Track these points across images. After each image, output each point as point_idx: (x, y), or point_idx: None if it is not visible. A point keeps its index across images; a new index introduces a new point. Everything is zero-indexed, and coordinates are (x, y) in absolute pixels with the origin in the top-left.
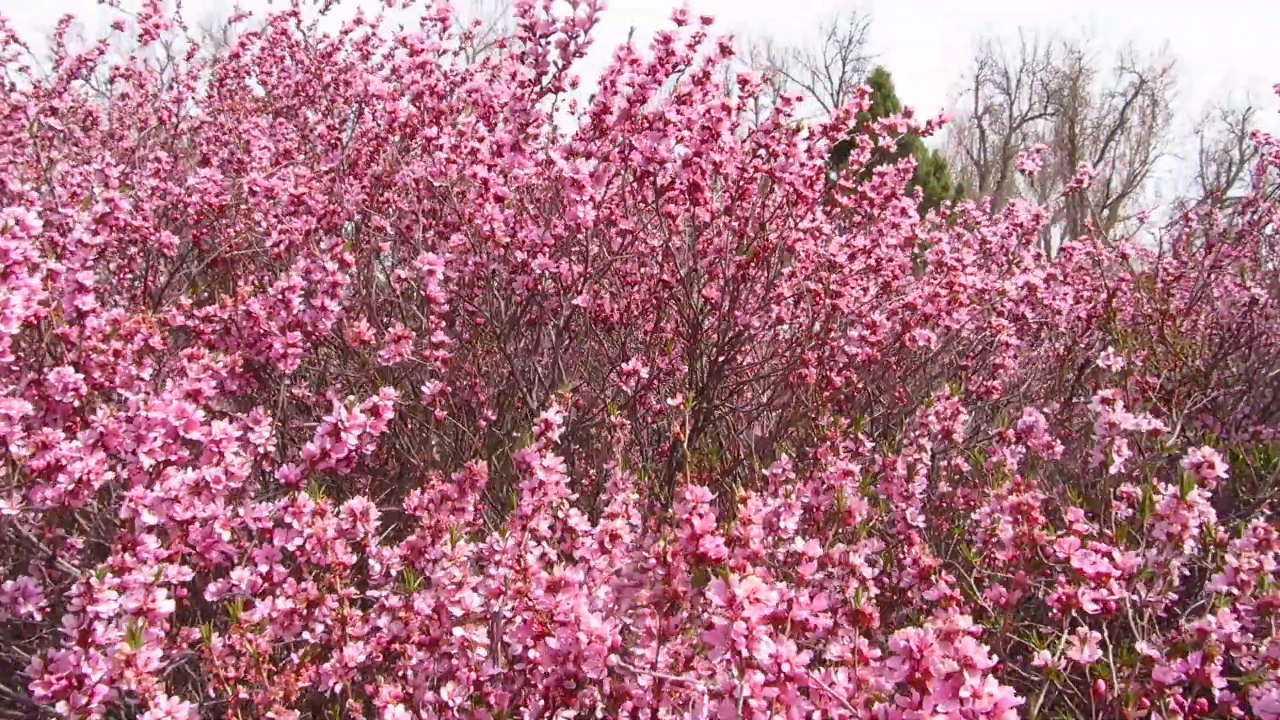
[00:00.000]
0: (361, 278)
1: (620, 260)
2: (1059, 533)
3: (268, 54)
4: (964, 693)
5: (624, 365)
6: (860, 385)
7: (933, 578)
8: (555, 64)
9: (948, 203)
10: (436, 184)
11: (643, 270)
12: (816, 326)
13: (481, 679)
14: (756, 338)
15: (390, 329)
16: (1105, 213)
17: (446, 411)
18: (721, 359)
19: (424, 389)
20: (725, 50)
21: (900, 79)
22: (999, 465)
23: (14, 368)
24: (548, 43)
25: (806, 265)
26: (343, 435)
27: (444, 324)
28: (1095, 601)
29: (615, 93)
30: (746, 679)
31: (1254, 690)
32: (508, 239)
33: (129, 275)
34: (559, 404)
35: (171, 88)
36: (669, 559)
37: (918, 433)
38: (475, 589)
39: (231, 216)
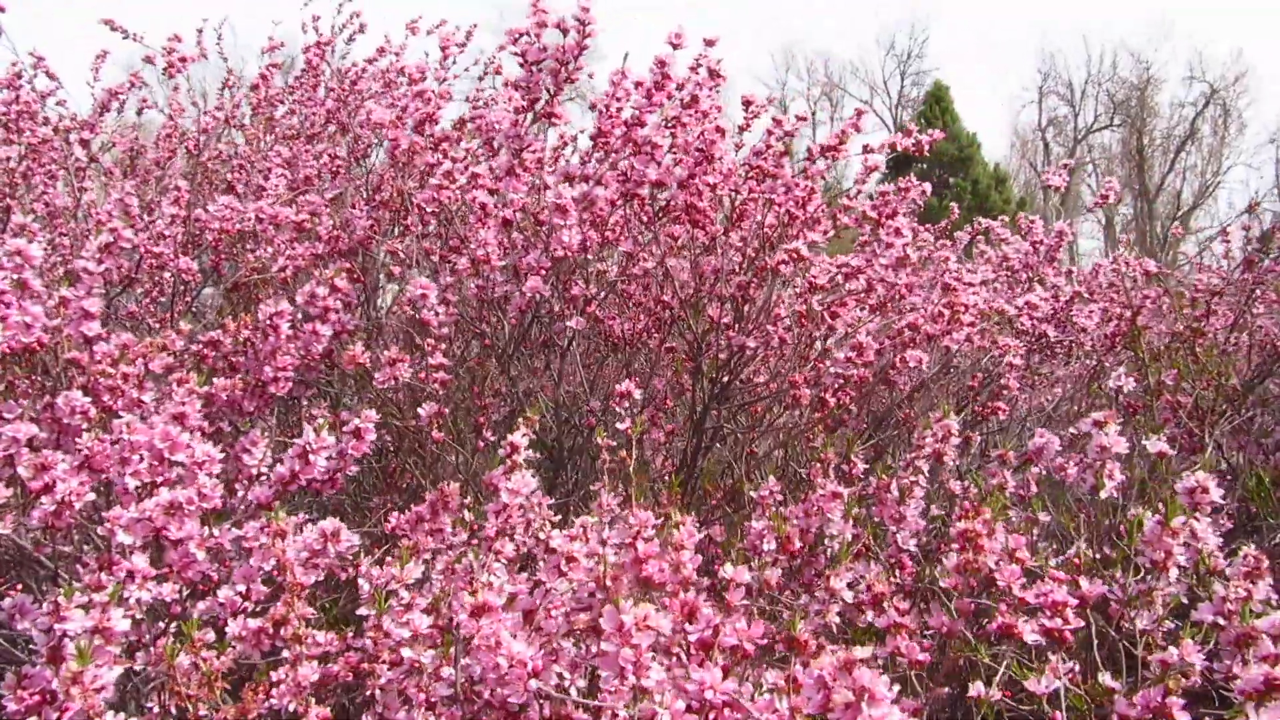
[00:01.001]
0: (373, 302)
1: (622, 282)
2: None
3: (300, 83)
4: None
5: (618, 387)
6: (856, 407)
7: (884, 604)
8: (548, 91)
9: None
10: (437, 209)
11: (647, 292)
12: (812, 346)
13: (433, 700)
14: (762, 357)
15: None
16: (1176, 225)
17: (454, 432)
18: (725, 379)
19: (420, 410)
20: (714, 75)
21: (960, 92)
22: (998, 488)
23: (29, 391)
24: (539, 70)
25: (802, 286)
26: (311, 458)
27: (442, 347)
28: (1045, 632)
29: (612, 117)
30: (659, 704)
31: None
32: (503, 263)
33: (160, 301)
34: (525, 427)
35: (205, 117)
36: (607, 583)
37: (913, 454)
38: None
39: (251, 243)
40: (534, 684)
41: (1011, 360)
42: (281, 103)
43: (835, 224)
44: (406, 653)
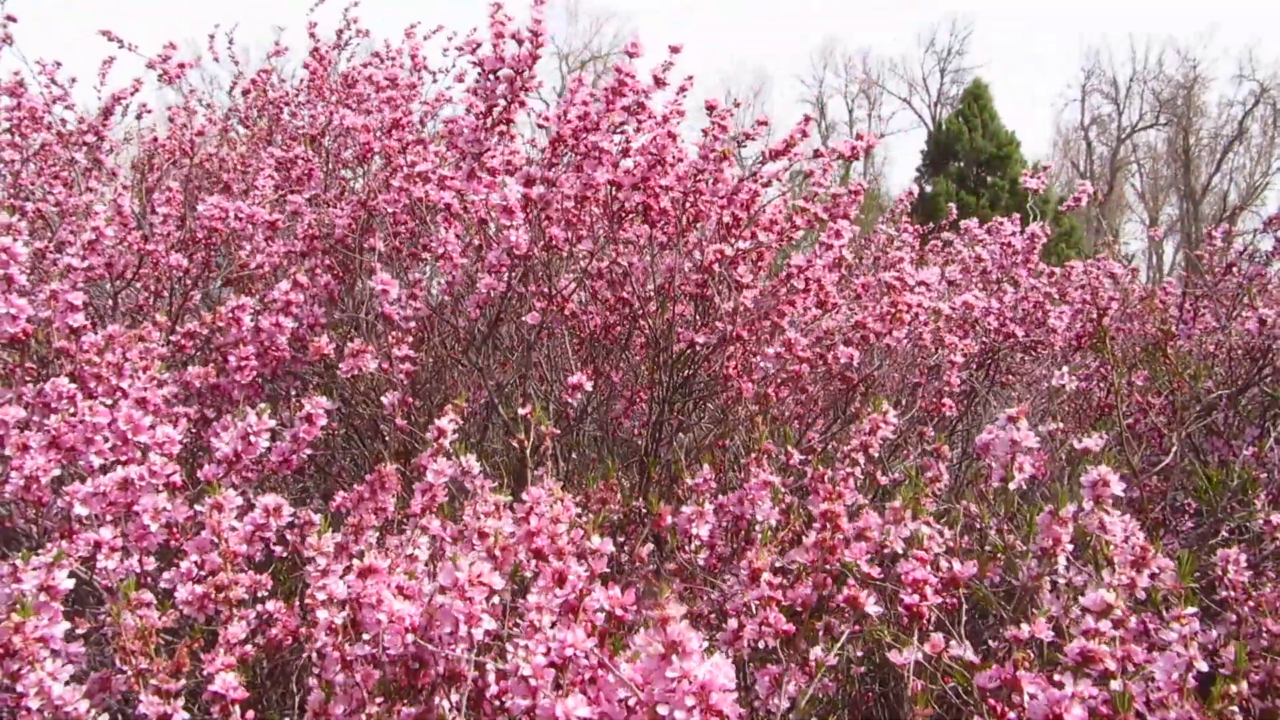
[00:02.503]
0: (354, 298)
1: (590, 279)
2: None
3: (302, 88)
4: (671, 673)
5: (570, 379)
6: (796, 400)
7: (762, 579)
8: (504, 98)
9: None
10: (399, 210)
11: (611, 289)
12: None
13: (350, 659)
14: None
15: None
16: (1224, 227)
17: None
18: (686, 373)
19: (384, 399)
20: (659, 82)
21: (1000, 90)
22: (933, 480)
23: (25, 379)
24: (496, 78)
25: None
26: (252, 440)
27: (408, 340)
28: (906, 608)
29: (569, 123)
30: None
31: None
32: (465, 261)
33: (161, 296)
34: (453, 413)
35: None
36: (496, 553)
37: (850, 448)
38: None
39: (239, 241)
40: (410, 638)
41: (952, 359)
42: (287, 104)
43: (792, 225)
44: (321, 614)
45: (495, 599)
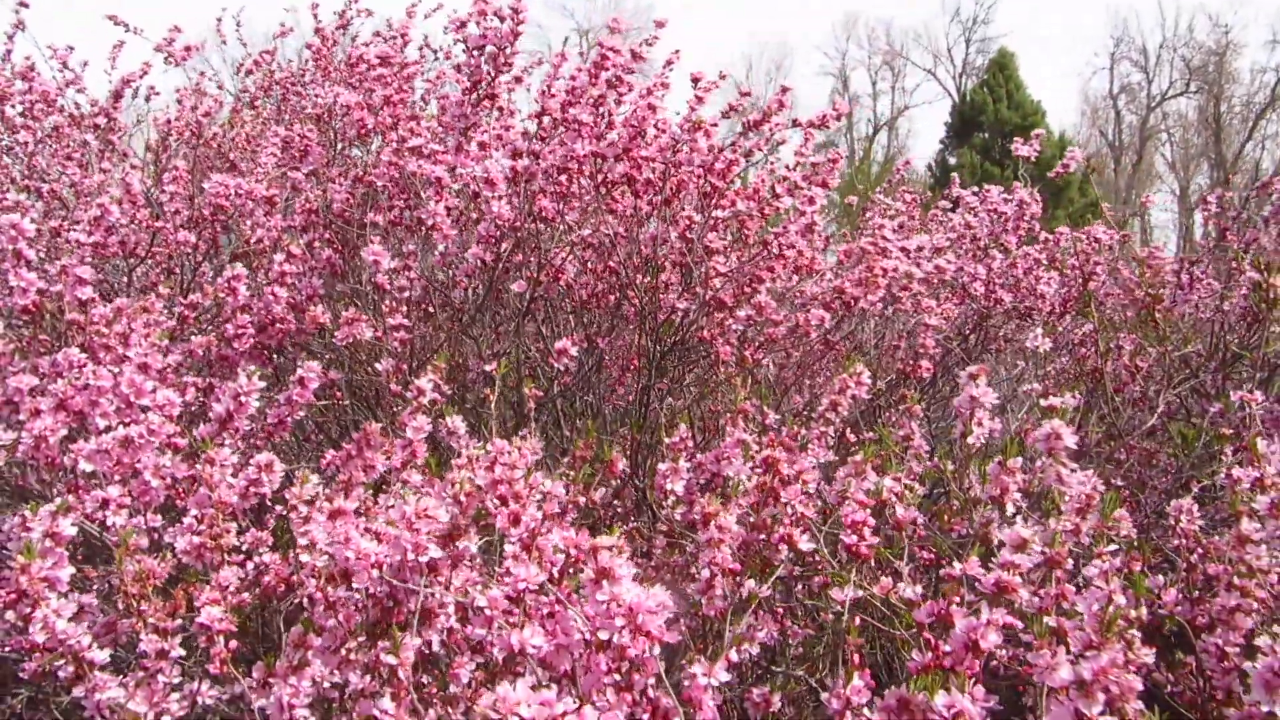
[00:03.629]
0: (352, 270)
1: (581, 249)
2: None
3: (308, 68)
4: (601, 596)
5: (556, 345)
6: (779, 364)
7: (711, 523)
8: (489, 74)
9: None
10: (390, 183)
11: (601, 258)
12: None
13: (333, 600)
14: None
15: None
16: (1253, 196)
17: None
18: (672, 339)
19: (378, 365)
20: (636, 57)
21: (1027, 60)
22: (905, 438)
23: (40, 350)
24: (480, 55)
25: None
26: (243, 400)
27: (402, 309)
28: (846, 548)
29: (553, 96)
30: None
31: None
32: (454, 231)
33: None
34: (432, 373)
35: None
36: (462, 498)
37: (823, 408)
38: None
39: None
40: (375, 574)
41: (926, 321)
42: (293, 84)
43: (775, 195)
44: (305, 558)
45: (471, 546)
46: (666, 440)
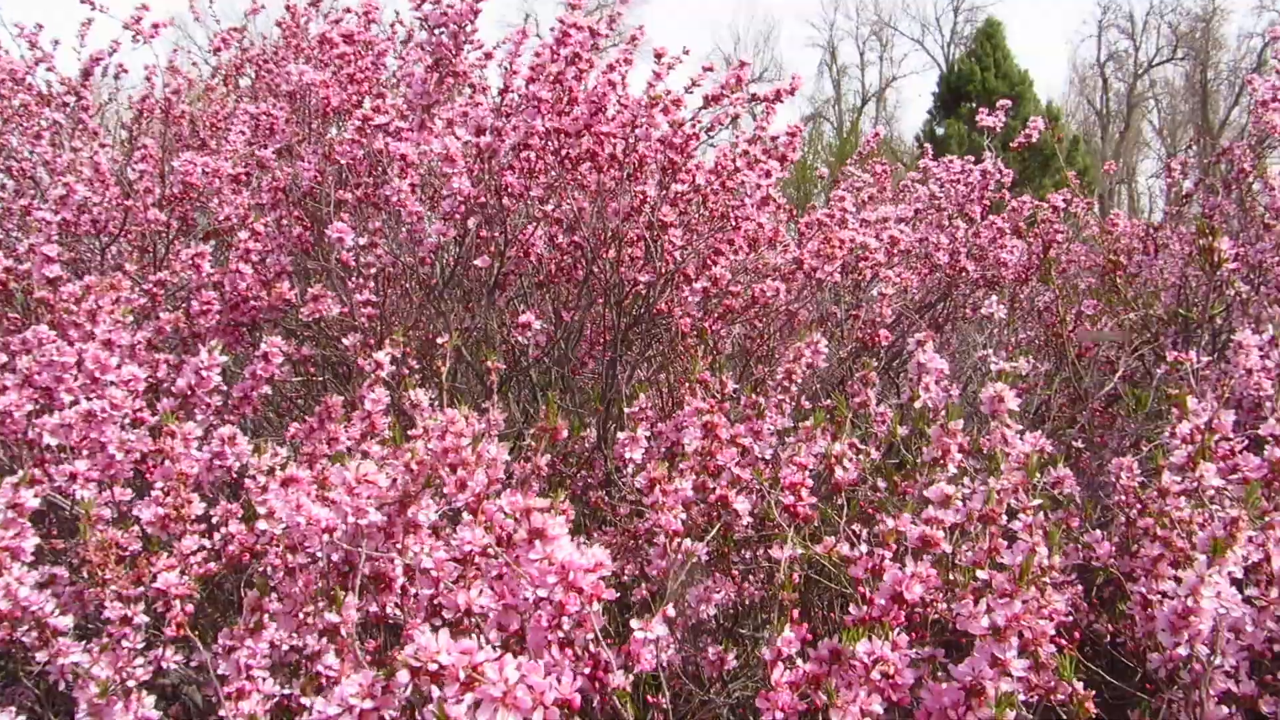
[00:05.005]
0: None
1: (538, 224)
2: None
3: (283, 47)
4: (534, 554)
5: (520, 319)
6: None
7: (657, 489)
8: (449, 51)
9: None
10: (353, 160)
11: (567, 233)
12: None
13: (291, 566)
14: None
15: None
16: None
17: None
18: (637, 311)
19: (345, 340)
20: (594, 34)
21: (1015, 28)
22: (861, 405)
23: (10, 329)
24: (441, 32)
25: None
26: (204, 375)
27: (370, 285)
28: (784, 509)
29: (516, 73)
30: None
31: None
32: (420, 208)
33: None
34: (391, 346)
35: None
36: (413, 466)
37: (781, 375)
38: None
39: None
40: (327, 538)
41: (883, 291)
42: (266, 62)
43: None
44: (261, 525)
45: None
46: (627, 410)
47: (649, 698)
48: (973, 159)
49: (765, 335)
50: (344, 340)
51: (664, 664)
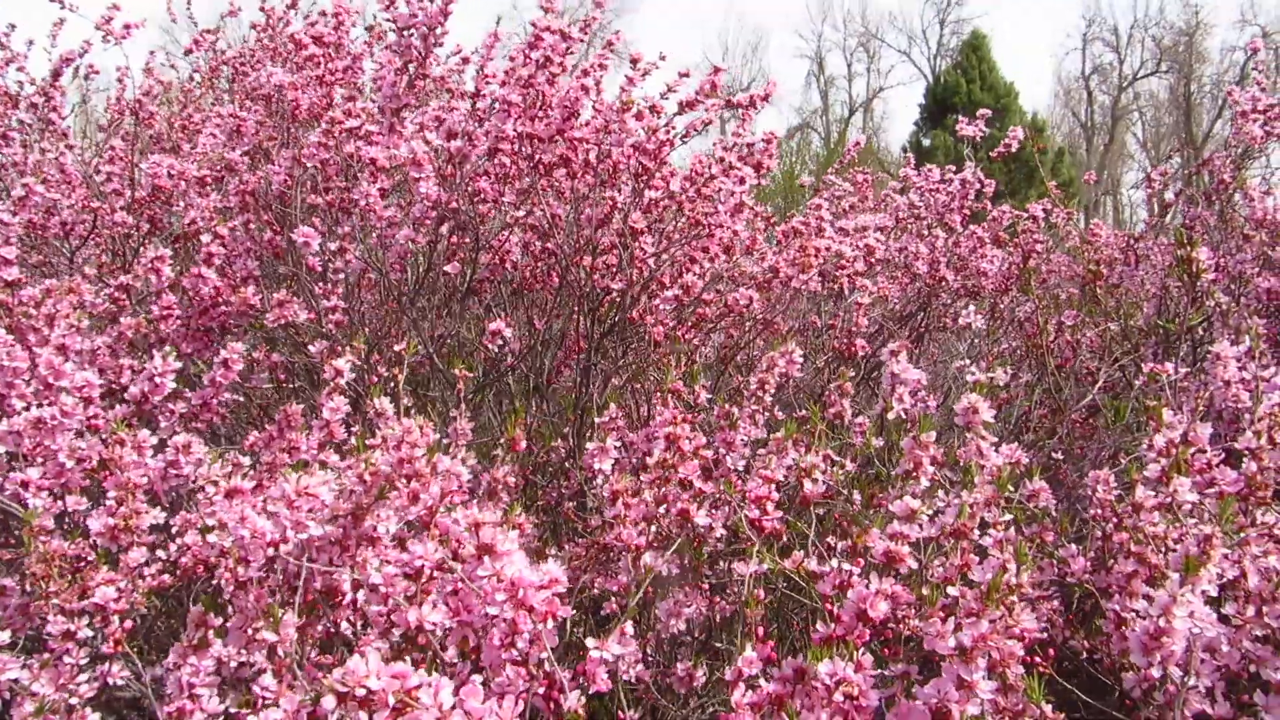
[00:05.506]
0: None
1: (512, 230)
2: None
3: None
4: (482, 571)
5: (490, 326)
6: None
7: (619, 501)
8: (419, 53)
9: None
10: (323, 165)
11: (543, 240)
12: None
13: (242, 580)
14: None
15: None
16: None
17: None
18: (613, 320)
19: (311, 348)
20: (566, 38)
21: (1001, 41)
22: (837, 415)
23: None
24: (411, 34)
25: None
26: (158, 381)
27: (339, 290)
28: (750, 522)
29: (489, 78)
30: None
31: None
32: (389, 213)
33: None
34: (351, 354)
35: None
36: (366, 477)
37: (755, 386)
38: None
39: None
40: (271, 551)
41: (859, 300)
42: (242, 64)
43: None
44: (211, 538)
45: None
46: (597, 420)
47: (620, 713)
48: (953, 168)
49: (743, 345)
50: (311, 347)
51: (633, 679)
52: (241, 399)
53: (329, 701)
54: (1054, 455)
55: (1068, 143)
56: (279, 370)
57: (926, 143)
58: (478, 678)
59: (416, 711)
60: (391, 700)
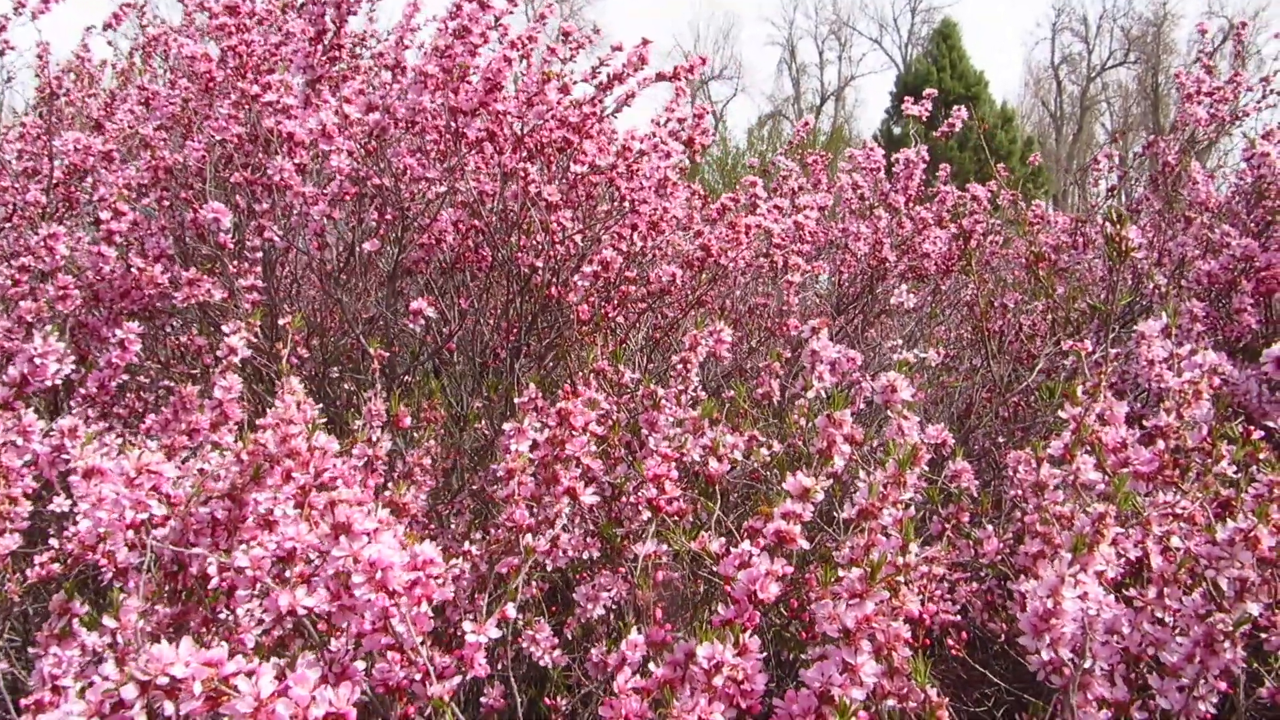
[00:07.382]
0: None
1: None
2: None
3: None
4: (338, 552)
5: (411, 305)
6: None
7: (514, 481)
8: (333, 24)
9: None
10: (234, 139)
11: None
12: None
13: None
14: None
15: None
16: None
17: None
18: (542, 298)
19: (224, 328)
20: (485, 6)
21: (971, 29)
22: (765, 396)
23: None
24: (324, 4)
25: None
26: (39, 363)
27: (257, 270)
28: (646, 501)
29: (406, 48)
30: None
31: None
32: (306, 189)
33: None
34: (246, 330)
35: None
36: (243, 456)
37: (677, 365)
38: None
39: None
40: (131, 534)
41: (790, 279)
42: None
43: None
44: (84, 524)
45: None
46: (516, 400)
47: (546, 699)
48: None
49: (675, 326)
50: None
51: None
52: (171, 384)
53: (129, 691)
54: (996, 438)
55: (1037, 132)
56: (204, 353)
57: (897, 131)
58: (362, 664)
59: (231, 700)
60: (198, 688)
